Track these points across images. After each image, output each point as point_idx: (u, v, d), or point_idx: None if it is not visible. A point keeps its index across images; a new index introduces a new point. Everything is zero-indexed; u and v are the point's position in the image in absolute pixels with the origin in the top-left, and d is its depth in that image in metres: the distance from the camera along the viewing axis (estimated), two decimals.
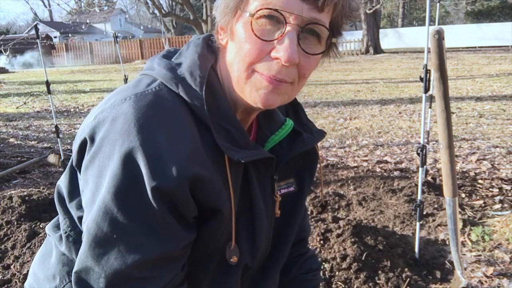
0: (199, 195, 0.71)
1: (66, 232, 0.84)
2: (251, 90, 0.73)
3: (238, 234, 0.80)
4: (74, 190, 0.80)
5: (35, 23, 31.27)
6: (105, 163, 0.68)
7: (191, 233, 0.74)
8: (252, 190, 0.81)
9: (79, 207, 0.79)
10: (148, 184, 0.66)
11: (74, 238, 0.83)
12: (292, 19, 0.68)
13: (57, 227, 0.88)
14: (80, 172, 0.75)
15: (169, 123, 0.69)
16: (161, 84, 0.74)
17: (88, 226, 0.69)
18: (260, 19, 0.69)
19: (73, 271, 0.72)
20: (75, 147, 0.75)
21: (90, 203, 0.70)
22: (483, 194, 3.15)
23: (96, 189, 0.69)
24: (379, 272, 2.10)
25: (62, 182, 0.84)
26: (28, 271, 2.20)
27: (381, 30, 22.65)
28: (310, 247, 1.16)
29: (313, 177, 0.96)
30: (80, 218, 0.79)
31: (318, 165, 0.98)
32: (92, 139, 0.70)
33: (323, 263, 2.16)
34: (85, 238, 0.70)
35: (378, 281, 2.05)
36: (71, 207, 0.82)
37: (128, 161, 0.66)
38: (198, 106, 0.72)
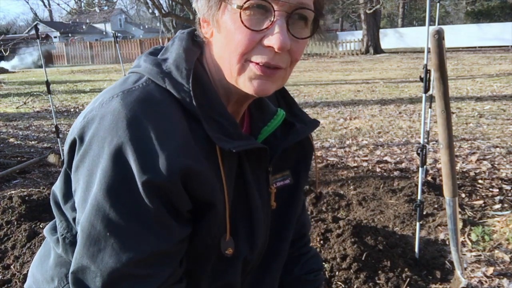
0: (191, 188, 0.71)
1: (62, 235, 0.83)
2: (245, 81, 0.73)
3: (235, 227, 0.80)
4: (68, 192, 0.80)
5: (35, 23, 31.27)
6: (95, 161, 0.68)
7: (186, 228, 0.74)
8: (247, 182, 0.81)
9: (74, 208, 0.79)
10: (138, 178, 0.66)
11: (71, 240, 0.83)
12: (279, 7, 0.68)
13: (54, 229, 0.88)
14: (70, 171, 0.75)
15: (158, 117, 0.69)
16: (148, 80, 0.74)
17: (81, 225, 0.69)
18: (248, 9, 0.69)
19: (70, 271, 0.71)
20: (66, 148, 0.75)
21: (82, 202, 0.70)
22: (483, 194, 3.15)
23: (88, 188, 0.69)
24: (379, 272, 2.10)
25: (57, 186, 0.84)
26: (28, 271, 2.20)
27: (381, 30, 22.64)
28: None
29: (309, 168, 0.96)
30: (75, 220, 0.79)
31: (314, 162, 0.97)
32: (82, 139, 0.70)
33: (323, 263, 2.16)
34: (80, 238, 0.70)
35: (378, 281, 2.05)
36: (66, 209, 0.82)
37: (118, 157, 0.66)
38: (186, 99, 0.72)
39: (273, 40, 0.69)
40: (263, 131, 0.85)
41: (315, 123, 0.92)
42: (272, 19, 0.69)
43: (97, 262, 0.68)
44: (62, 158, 3.71)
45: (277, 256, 0.95)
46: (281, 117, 0.87)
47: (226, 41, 0.72)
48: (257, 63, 0.71)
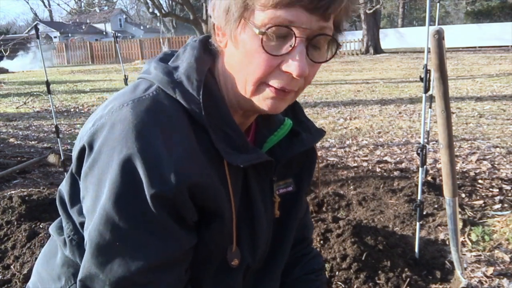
0: (199, 200, 0.71)
1: (69, 236, 0.84)
2: (259, 100, 0.73)
3: (239, 237, 0.80)
4: (75, 196, 0.80)
5: (35, 23, 31.27)
6: (104, 171, 0.68)
7: (193, 237, 0.74)
8: (251, 193, 0.81)
9: (81, 212, 0.79)
10: (147, 191, 0.66)
11: (77, 242, 0.83)
12: (300, 33, 0.67)
13: (61, 228, 0.88)
14: (80, 178, 0.75)
15: (167, 128, 0.69)
16: (158, 88, 0.73)
17: (90, 234, 0.69)
18: (269, 34, 0.67)
19: (78, 278, 0.72)
20: (74, 154, 0.75)
21: (91, 211, 0.70)
22: (483, 194, 3.15)
23: (96, 196, 0.69)
24: (379, 272, 2.10)
25: (64, 187, 0.84)
26: (28, 271, 2.20)
27: (381, 30, 22.65)
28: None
29: (312, 176, 0.96)
30: (82, 224, 0.79)
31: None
32: (91, 146, 0.70)
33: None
34: (88, 246, 0.70)
35: (378, 281, 2.05)
36: (73, 212, 0.82)
37: (127, 168, 0.66)
38: (196, 110, 0.72)
39: (292, 67, 0.68)
40: (269, 140, 0.85)
41: (321, 133, 0.91)
42: (293, 45, 0.67)
43: (106, 271, 0.69)
44: (62, 158, 3.71)
45: (277, 260, 0.95)
46: (287, 126, 0.86)
47: (243, 60, 0.71)
48: (273, 87, 0.71)
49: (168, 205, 0.68)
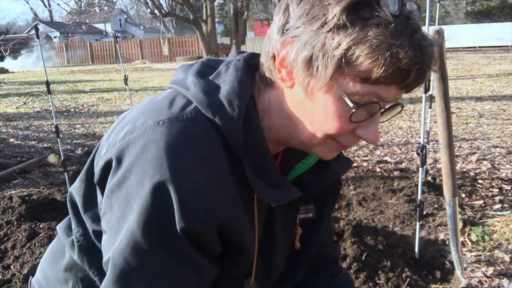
0: (225, 235, 0.70)
1: (78, 241, 0.82)
2: (319, 149, 0.73)
3: (256, 269, 0.80)
4: (90, 201, 0.78)
5: (35, 23, 31.28)
6: (133, 193, 0.65)
7: (215, 268, 0.73)
8: (275, 225, 0.80)
9: (94, 219, 0.78)
10: (178, 222, 0.64)
11: (87, 247, 0.81)
12: (383, 105, 0.68)
13: (69, 228, 0.86)
14: (100, 189, 0.73)
15: (202, 157, 0.66)
16: (196, 108, 0.69)
17: (114, 258, 0.67)
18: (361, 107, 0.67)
19: None
20: (100, 163, 0.71)
21: (115, 231, 0.68)
22: (483, 194, 3.15)
23: (123, 217, 0.67)
24: (379, 272, 2.10)
25: (77, 190, 0.82)
26: (28, 271, 2.20)
27: None
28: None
29: (334, 205, 0.93)
30: (95, 232, 0.78)
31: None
32: (119, 161, 0.67)
33: None
34: (111, 270, 0.68)
35: (378, 281, 2.05)
36: (86, 218, 0.80)
37: (159, 195, 0.64)
38: (233, 138, 0.69)
39: (368, 137, 0.69)
40: (296, 167, 0.83)
41: (349, 163, 0.90)
42: (373, 114, 0.68)
43: None
44: (62, 158, 3.71)
45: (294, 281, 0.95)
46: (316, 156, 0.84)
47: (319, 116, 0.68)
48: (340, 144, 0.71)
49: (196, 237, 0.66)
